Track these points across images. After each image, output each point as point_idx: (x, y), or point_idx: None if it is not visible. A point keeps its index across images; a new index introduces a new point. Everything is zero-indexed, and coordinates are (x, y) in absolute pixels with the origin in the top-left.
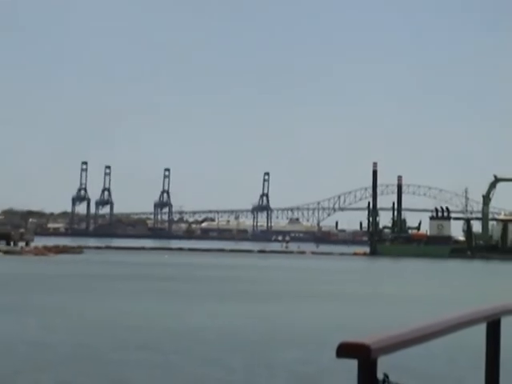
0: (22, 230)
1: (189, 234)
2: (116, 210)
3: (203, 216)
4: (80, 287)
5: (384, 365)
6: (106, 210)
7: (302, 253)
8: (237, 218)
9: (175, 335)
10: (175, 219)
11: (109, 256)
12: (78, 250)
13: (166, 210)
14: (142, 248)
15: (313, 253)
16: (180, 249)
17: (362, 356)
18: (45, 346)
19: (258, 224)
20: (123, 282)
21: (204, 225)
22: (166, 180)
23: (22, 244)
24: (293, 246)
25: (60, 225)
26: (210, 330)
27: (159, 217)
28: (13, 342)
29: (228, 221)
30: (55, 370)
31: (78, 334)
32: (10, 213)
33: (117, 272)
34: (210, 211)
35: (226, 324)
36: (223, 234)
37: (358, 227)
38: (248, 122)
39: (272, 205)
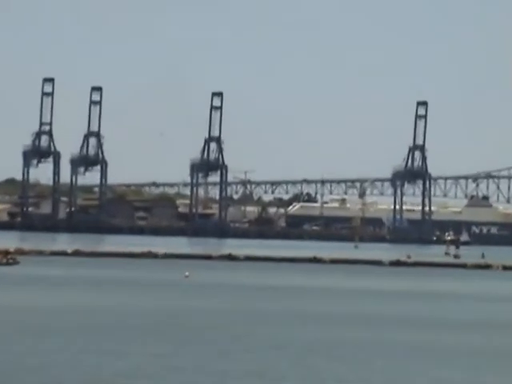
0: None
1: (261, 226)
2: (113, 177)
3: (292, 191)
4: None
5: None
6: (92, 176)
7: (486, 267)
8: (362, 194)
9: None
10: (234, 196)
11: (64, 269)
12: (8, 258)
13: (214, 177)
14: (149, 254)
15: (505, 268)
16: (229, 256)
17: None
18: None
19: (404, 208)
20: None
21: (295, 208)
22: (216, 115)
23: None
24: (470, 253)
25: (1, 206)
26: None
27: (201, 191)
28: None
29: (343, 200)
30: None
31: None
32: None
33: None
34: (306, 181)
35: None
36: (333, 226)
37: None
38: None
39: (433, 169)
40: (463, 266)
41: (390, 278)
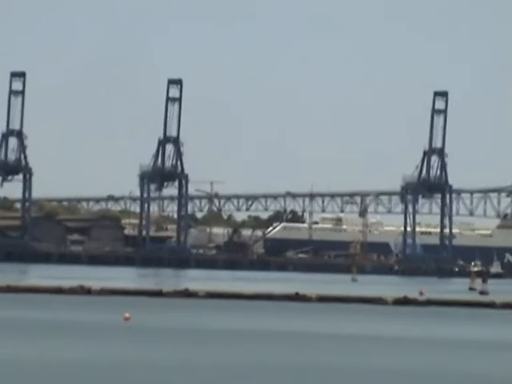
0: None
1: (232, 254)
2: (39, 190)
3: (272, 208)
4: None
5: None
6: (13, 188)
7: None
8: (363, 212)
9: None
10: (197, 215)
11: None
12: None
13: (170, 190)
14: (81, 290)
15: None
16: (186, 293)
17: None
18: None
19: (418, 230)
20: None
21: (276, 230)
22: (173, 110)
23: None
24: (502, 288)
25: None
26: None
27: (154, 208)
28: None
29: (338, 220)
30: None
31: None
32: None
33: None
34: (290, 194)
35: None
36: (325, 253)
37: None
38: None
39: (455, 180)
40: (490, 305)
41: (390, 321)
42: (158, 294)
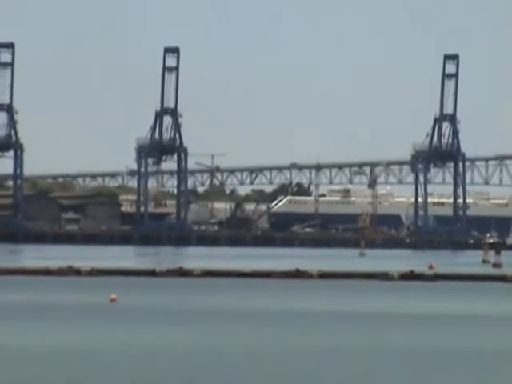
0: None
1: (236, 229)
2: (31, 167)
3: (277, 181)
4: None
5: None
6: (3, 165)
7: None
8: (372, 183)
9: None
10: (198, 189)
11: None
12: None
13: (169, 164)
14: (70, 271)
15: None
16: (180, 271)
17: None
18: None
19: (430, 200)
20: None
21: (281, 204)
22: (170, 80)
23: None
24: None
25: None
26: None
27: (152, 183)
28: None
29: (346, 191)
30: None
31: None
32: None
33: None
34: (295, 166)
35: None
36: (332, 227)
37: None
38: None
39: (468, 147)
40: (502, 278)
41: (395, 297)
42: (151, 273)
